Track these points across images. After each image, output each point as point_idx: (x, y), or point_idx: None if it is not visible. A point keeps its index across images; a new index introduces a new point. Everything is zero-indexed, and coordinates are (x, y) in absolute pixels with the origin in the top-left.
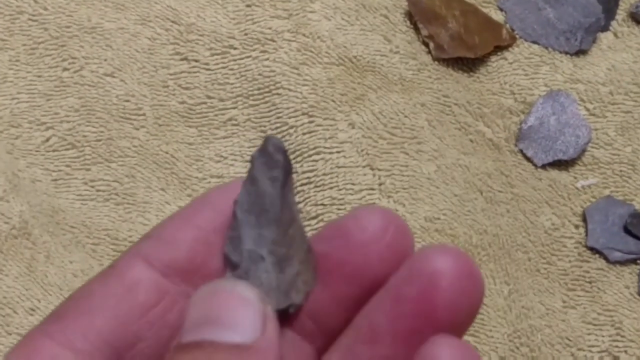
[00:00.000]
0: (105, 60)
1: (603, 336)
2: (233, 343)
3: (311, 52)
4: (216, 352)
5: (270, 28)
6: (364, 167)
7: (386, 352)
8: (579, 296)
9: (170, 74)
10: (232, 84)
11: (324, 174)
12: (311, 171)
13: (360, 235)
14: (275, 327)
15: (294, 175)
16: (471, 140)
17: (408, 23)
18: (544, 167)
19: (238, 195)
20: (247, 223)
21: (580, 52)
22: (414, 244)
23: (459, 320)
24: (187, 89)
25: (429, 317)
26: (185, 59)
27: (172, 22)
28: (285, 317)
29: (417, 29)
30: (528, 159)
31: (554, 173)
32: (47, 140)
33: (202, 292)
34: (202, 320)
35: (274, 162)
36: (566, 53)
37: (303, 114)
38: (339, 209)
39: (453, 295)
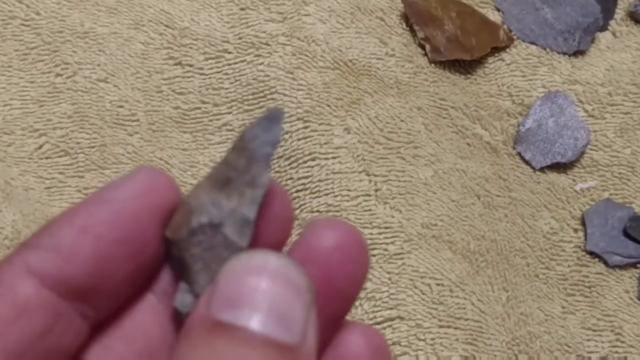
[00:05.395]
0: (99, 65)
1: (603, 342)
2: (281, 342)
3: (306, 56)
4: (261, 347)
5: (264, 32)
6: (360, 172)
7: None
8: (578, 301)
9: (164, 79)
10: (226, 88)
11: (320, 180)
12: (306, 177)
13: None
14: (315, 328)
15: (290, 182)
16: (468, 144)
17: (404, 25)
18: (542, 170)
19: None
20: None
21: (579, 53)
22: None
23: (356, 292)
24: (181, 94)
25: (336, 294)
26: (179, 63)
27: (166, 26)
28: None
29: (413, 31)
30: (526, 162)
31: (552, 176)
32: (40, 147)
33: (239, 262)
34: (238, 300)
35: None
36: (564, 54)
37: (298, 119)
38: (335, 216)
39: (349, 270)
